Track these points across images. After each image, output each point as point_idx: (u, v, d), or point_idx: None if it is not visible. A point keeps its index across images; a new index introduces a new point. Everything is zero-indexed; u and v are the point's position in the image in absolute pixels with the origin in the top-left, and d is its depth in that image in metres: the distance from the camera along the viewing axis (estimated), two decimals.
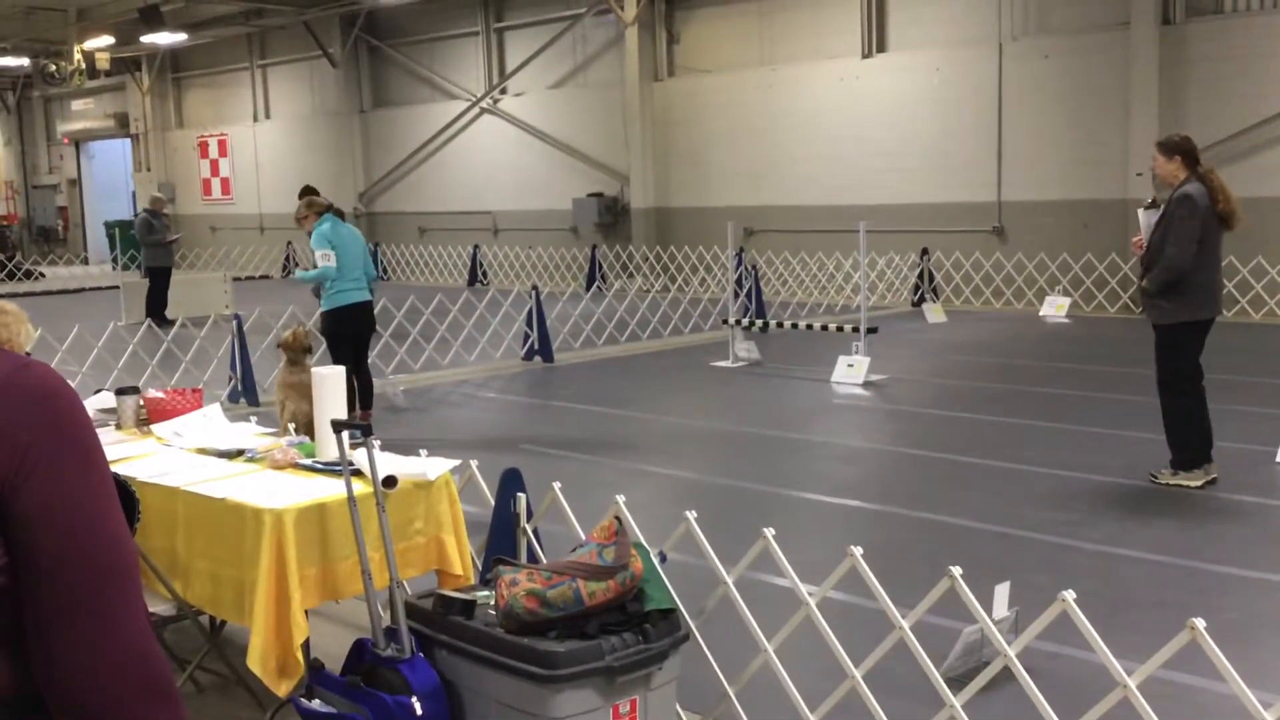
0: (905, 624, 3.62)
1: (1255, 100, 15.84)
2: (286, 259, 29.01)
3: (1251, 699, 2.93)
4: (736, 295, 14.04)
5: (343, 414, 4.39)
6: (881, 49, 19.76)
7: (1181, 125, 16.17)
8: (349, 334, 9.45)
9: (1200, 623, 3.00)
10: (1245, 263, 14.92)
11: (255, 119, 31.23)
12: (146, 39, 26.49)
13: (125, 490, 3.63)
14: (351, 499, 3.89)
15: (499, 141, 25.43)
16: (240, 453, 4.70)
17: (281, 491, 4.12)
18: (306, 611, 4.00)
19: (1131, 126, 16.78)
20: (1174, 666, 3.57)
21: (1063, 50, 17.58)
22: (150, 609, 4.36)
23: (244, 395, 11.16)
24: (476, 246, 25.05)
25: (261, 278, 28.18)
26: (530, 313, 13.61)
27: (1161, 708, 3.19)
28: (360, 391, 9.12)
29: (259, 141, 31.12)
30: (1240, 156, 15.62)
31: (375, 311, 9.91)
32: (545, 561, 4.22)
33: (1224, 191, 7.24)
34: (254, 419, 5.55)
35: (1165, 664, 3.17)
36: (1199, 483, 7.41)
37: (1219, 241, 7.34)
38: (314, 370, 4.59)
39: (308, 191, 17.20)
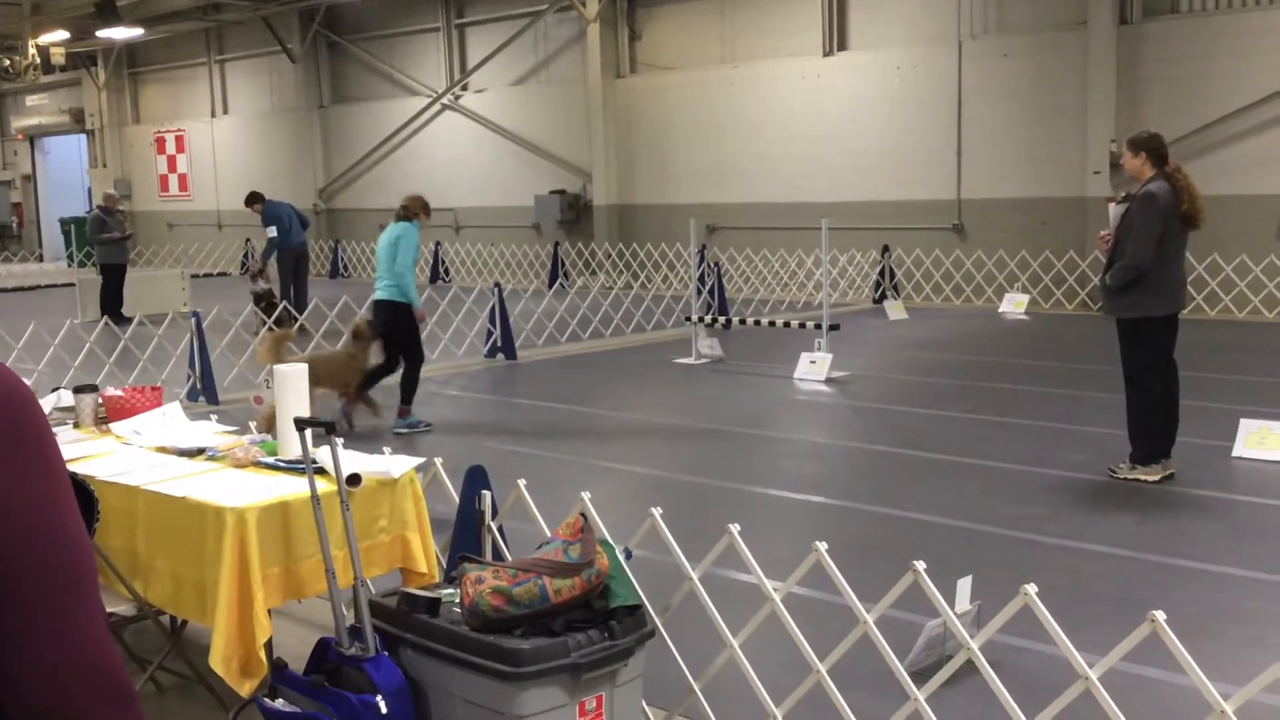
0: (869, 618, 3.64)
1: (1211, 99, 16.04)
2: (245, 256, 28.75)
3: (1211, 690, 2.97)
4: (699, 292, 14.06)
5: (306, 411, 4.35)
6: (842, 47, 19.85)
7: (1139, 124, 16.32)
8: (383, 328, 9.77)
9: (1161, 615, 3.03)
10: (1201, 260, 15.11)
11: (213, 115, 30.94)
12: (102, 34, 26.17)
13: (84, 490, 3.57)
14: (315, 497, 3.86)
15: (460, 138, 25.32)
16: (201, 451, 4.65)
17: (243, 490, 4.09)
18: (269, 611, 3.96)
19: (1089, 125, 16.95)
20: (1135, 659, 3.61)
21: (1021, 49, 17.73)
22: (110, 609, 4.32)
23: (203, 394, 11.06)
24: (438, 244, 24.95)
25: (220, 275, 27.94)
26: (493, 310, 13.57)
27: (1123, 700, 3.22)
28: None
29: (217, 137, 30.83)
30: (1196, 155, 15.81)
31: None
32: (510, 559, 4.21)
33: (1190, 191, 7.30)
34: (214, 417, 5.50)
35: (1126, 656, 3.21)
36: (1156, 477, 7.51)
37: (1182, 240, 7.41)
38: (276, 369, 4.55)
39: (255, 197, 17.23)
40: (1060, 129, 17.38)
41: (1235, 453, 8.07)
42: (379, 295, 9.78)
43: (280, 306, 14.91)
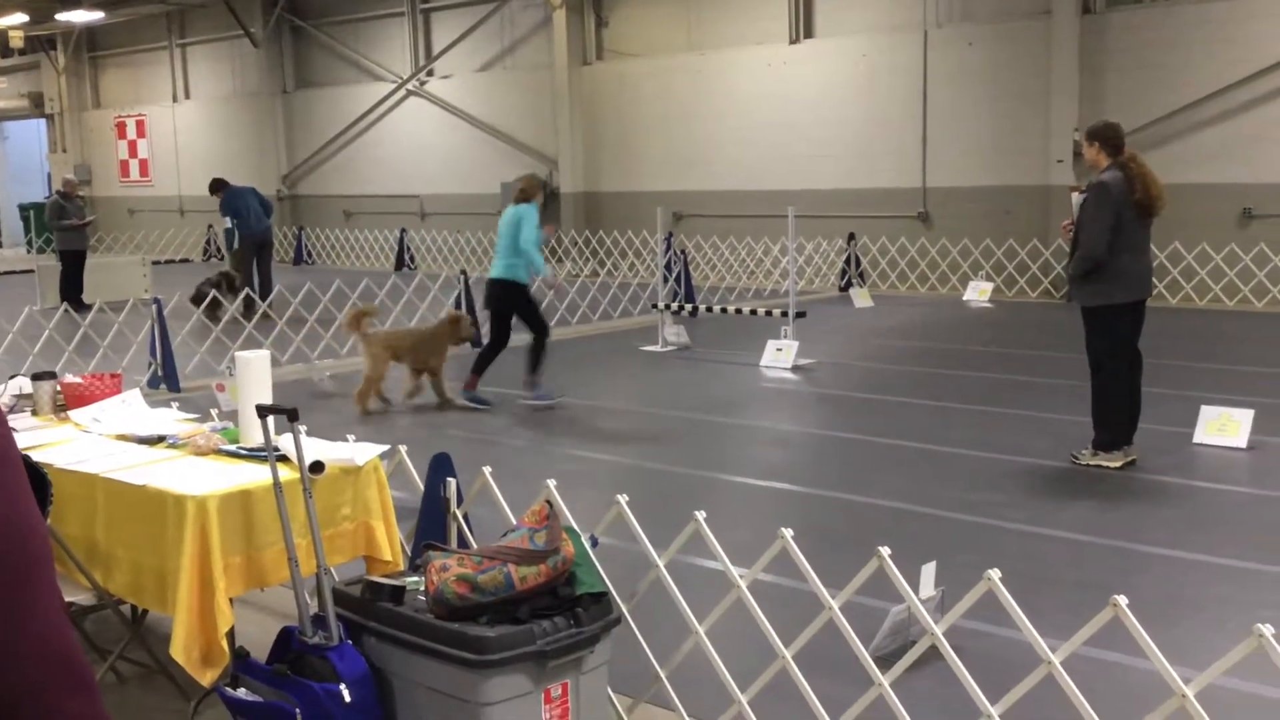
0: (834, 604, 3.65)
1: (1173, 88, 16.17)
2: (207, 242, 28.50)
3: (1172, 674, 2.99)
4: (665, 280, 14.05)
5: (269, 398, 4.31)
6: (809, 35, 19.87)
7: (1101, 113, 16.45)
8: (487, 304, 10.24)
9: (1123, 600, 3.05)
10: (1163, 248, 15.23)
11: (175, 99, 30.60)
12: (62, 16, 25.84)
13: (36, 473, 3.53)
14: (277, 485, 3.82)
15: (426, 124, 25.17)
16: (161, 439, 4.60)
17: (204, 478, 4.05)
18: (231, 599, 3.93)
19: (1052, 114, 17.05)
20: (1097, 643, 3.64)
21: (986, 38, 17.81)
22: (69, 598, 4.27)
23: (165, 381, 10.94)
24: (404, 230, 24.80)
25: (181, 261, 27.67)
26: (459, 297, 13.49)
27: (1085, 684, 3.25)
28: (533, 358, 10.19)
29: (178, 122, 30.51)
30: (1158, 143, 15.95)
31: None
32: (476, 546, 4.19)
33: (1143, 180, 7.32)
34: (175, 405, 5.44)
35: (1088, 641, 3.23)
36: (1118, 464, 7.58)
37: (1142, 228, 7.43)
38: (237, 355, 4.50)
39: (218, 184, 17.06)
40: (1024, 117, 17.48)
41: (1196, 439, 8.15)
42: (495, 274, 10.08)
43: (243, 294, 14.79)
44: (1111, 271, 7.37)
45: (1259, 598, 5.35)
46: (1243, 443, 7.99)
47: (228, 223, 16.61)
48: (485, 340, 10.45)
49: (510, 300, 10.09)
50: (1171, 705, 2.98)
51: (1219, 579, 5.62)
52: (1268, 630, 2.80)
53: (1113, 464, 7.59)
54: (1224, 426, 8.14)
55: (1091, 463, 7.63)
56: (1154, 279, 7.51)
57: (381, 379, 9.98)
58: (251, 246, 16.68)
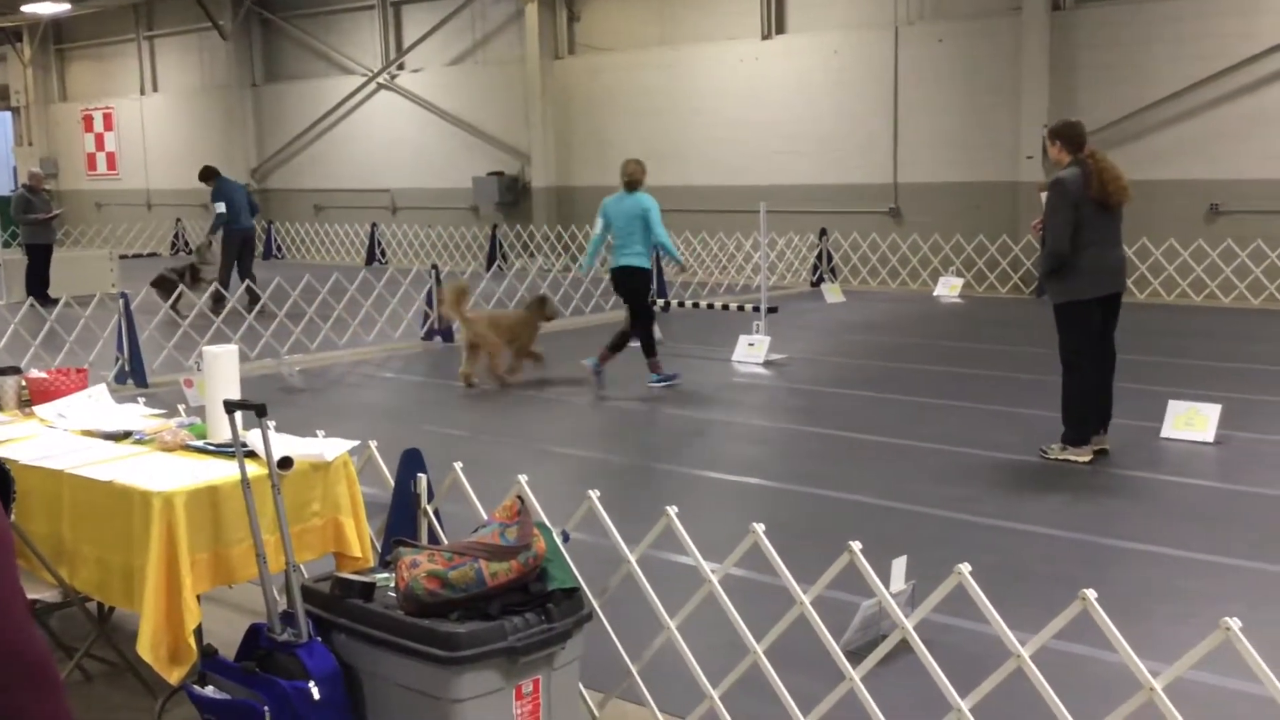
0: (806, 599, 3.65)
1: (1142, 85, 16.29)
2: (175, 236, 28.28)
3: (1141, 667, 3.01)
4: None
5: (236, 394, 4.27)
6: (781, 30, 19.89)
7: (1071, 109, 16.57)
8: (621, 292, 10.72)
9: (1091, 594, 3.06)
10: (1130, 244, 15.34)
11: (142, 92, 30.33)
12: (28, 8, 25.55)
13: None
14: (245, 481, 3.79)
15: (397, 118, 25.05)
16: (127, 434, 4.55)
17: (171, 474, 4.01)
18: (199, 596, 3.89)
19: (1022, 110, 17.14)
20: (1067, 637, 3.66)
21: (957, 34, 17.87)
22: (35, 596, 4.22)
23: (132, 376, 10.85)
24: (374, 225, 24.69)
25: (149, 255, 27.42)
26: (430, 292, 13.45)
27: (1054, 677, 3.26)
28: (633, 334, 10.74)
29: (146, 115, 30.24)
30: (1127, 140, 16.06)
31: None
32: (446, 542, 4.17)
33: (1101, 175, 7.39)
34: (141, 400, 5.39)
35: (1058, 635, 3.24)
36: (1086, 458, 7.63)
37: (1105, 223, 7.47)
38: (205, 350, 4.46)
39: (208, 171, 16.84)
40: (994, 114, 17.56)
41: (1163, 434, 8.21)
42: (627, 262, 10.51)
43: (212, 287, 14.68)
44: (1078, 267, 7.44)
45: (1227, 591, 5.39)
46: (1210, 437, 8.06)
47: (220, 208, 16.42)
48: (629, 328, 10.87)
49: (644, 284, 10.70)
50: (1140, 698, 3.00)
51: (1187, 573, 5.66)
52: (1235, 624, 2.82)
53: (1081, 458, 7.64)
54: (1191, 421, 8.21)
55: (1060, 458, 7.68)
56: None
57: (499, 353, 10.80)
58: (235, 242, 16.53)
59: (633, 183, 10.59)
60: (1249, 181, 15.72)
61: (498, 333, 10.77)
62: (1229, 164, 15.86)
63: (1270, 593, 5.40)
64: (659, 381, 10.61)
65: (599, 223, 10.78)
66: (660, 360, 10.72)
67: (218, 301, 14.44)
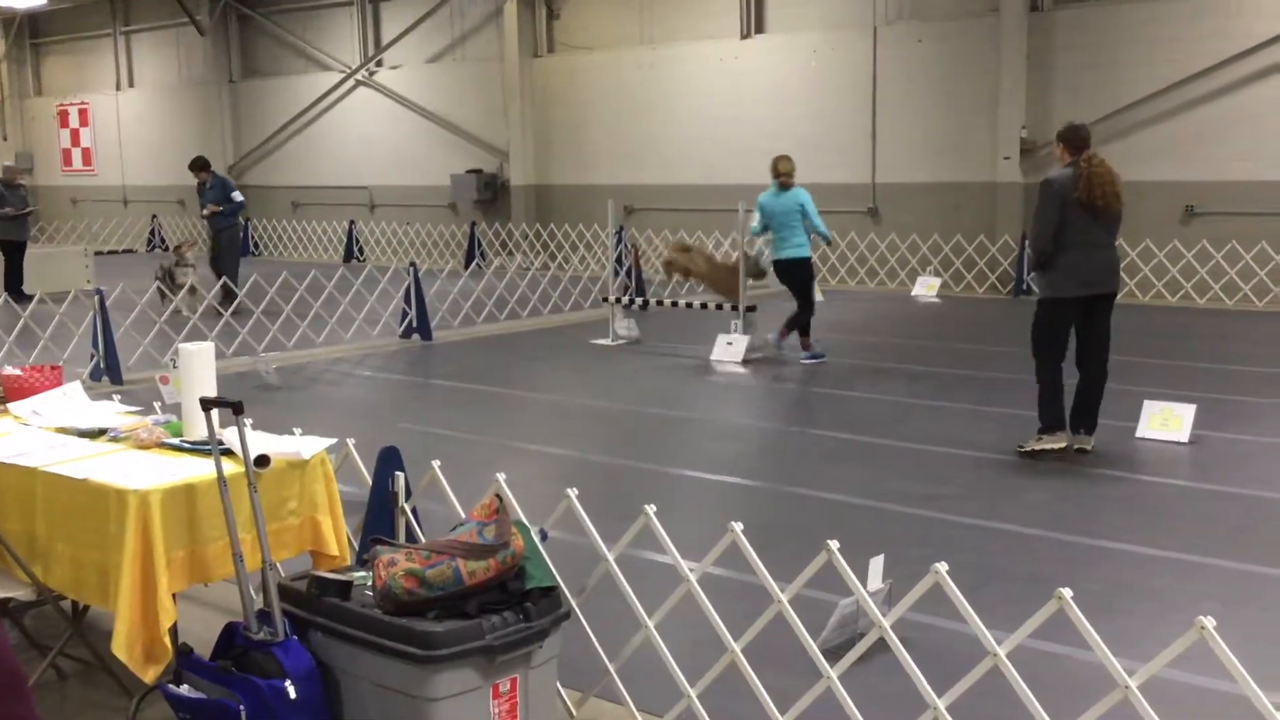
0: (784, 598, 3.66)
1: (1118, 87, 16.38)
2: (151, 233, 28.10)
3: (1116, 665, 3.02)
4: (616, 273, 14.04)
5: (213, 391, 4.25)
6: (760, 30, 19.92)
7: (1047, 111, 16.68)
8: (788, 281, 11.79)
9: (1067, 592, 3.08)
10: None
11: (118, 87, 30.13)
12: (2, 2, 25.32)
13: None
14: (221, 479, 3.77)
15: (375, 115, 24.97)
16: (102, 432, 4.52)
17: (147, 472, 3.98)
18: (174, 595, 3.87)
19: (1000, 111, 17.21)
20: (1043, 636, 3.67)
21: (935, 35, 17.93)
22: (9, 594, 4.19)
23: (107, 373, 10.78)
24: (352, 222, 24.61)
25: (125, 252, 27.25)
26: (408, 290, 13.41)
27: (1031, 675, 3.28)
28: (799, 320, 11.72)
29: (122, 111, 30.04)
30: (1103, 141, 16.09)
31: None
32: (424, 541, 4.15)
33: (1089, 178, 7.55)
34: (117, 397, 5.35)
35: (1034, 633, 3.25)
36: (1061, 445, 7.79)
37: (1090, 225, 7.59)
38: (180, 347, 4.43)
39: (198, 162, 16.63)
40: (972, 114, 17.63)
41: (1139, 433, 8.27)
42: (793, 254, 11.56)
43: (221, 283, 14.50)
44: (1055, 267, 7.64)
45: (1202, 590, 5.43)
46: (1185, 437, 8.12)
47: (238, 195, 16.30)
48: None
49: (810, 273, 11.75)
50: (1115, 696, 3.02)
51: (1163, 571, 5.70)
52: (1210, 622, 2.84)
53: (1056, 445, 7.79)
54: (1166, 421, 8.27)
55: (1036, 447, 7.81)
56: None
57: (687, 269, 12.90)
58: (238, 237, 16.44)
59: (787, 179, 11.53)
60: (1224, 183, 15.84)
61: (710, 266, 12.78)
62: (1204, 165, 15.98)
63: (1244, 591, 5.44)
64: (811, 359, 11.58)
65: (756, 218, 11.78)
66: (811, 339, 11.71)
67: (227, 296, 14.25)
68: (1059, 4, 17.08)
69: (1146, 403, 8.45)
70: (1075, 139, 7.71)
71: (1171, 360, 11.31)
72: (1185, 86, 15.95)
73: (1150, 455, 7.90)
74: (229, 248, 16.32)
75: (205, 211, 16.36)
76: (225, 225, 16.24)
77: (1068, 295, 7.65)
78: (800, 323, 11.70)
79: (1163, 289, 15.85)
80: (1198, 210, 16.05)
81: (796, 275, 11.65)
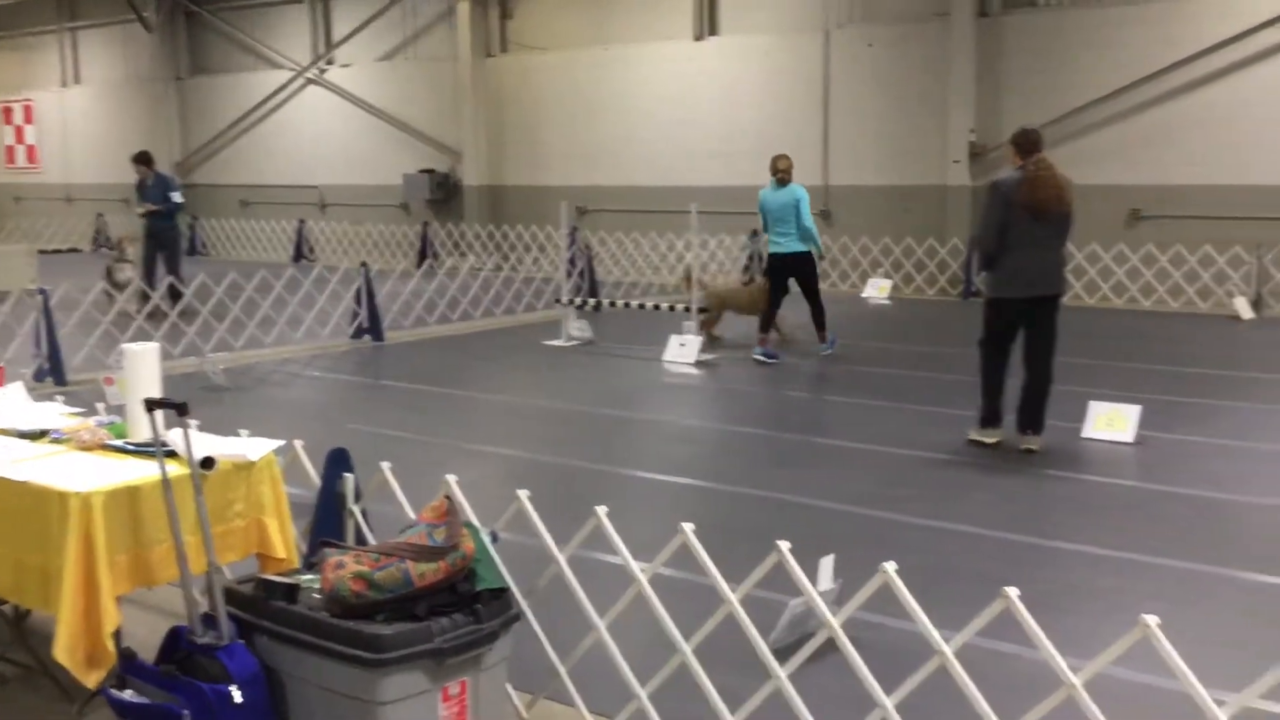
0: (734, 598, 3.66)
1: (1065, 91, 16.58)
2: (97, 232, 27.70)
3: (1061, 663, 3.05)
4: (569, 274, 14.01)
5: (157, 392, 4.19)
6: (713, 32, 19.97)
7: (996, 115, 16.86)
8: (782, 278, 11.94)
9: (1014, 591, 3.10)
10: None
11: (64, 84, 29.71)
12: None
13: None
14: (165, 481, 3.72)
15: (326, 114, 24.78)
16: (44, 434, 4.45)
17: (89, 474, 3.91)
18: (118, 599, 3.81)
19: (950, 114, 17.37)
20: (991, 635, 3.70)
21: (886, 39, 18.06)
22: None
23: (51, 374, 10.61)
24: (302, 221, 24.40)
25: (70, 251, 26.84)
26: (359, 290, 13.30)
27: (978, 674, 3.30)
28: (816, 318, 12.06)
29: (67, 108, 29.62)
30: (1050, 145, 16.15)
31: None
32: (374, 543, 4.12)
33: (1032, 182, 7.72)
34: (60, 399, 5.26)
35: (984, 633, 3.28)
36: (991, 440, 8.06)
37: (1034, 228, 7.72)
38: (125, 348, 4.36)
39: (141, 157, 16.23)
40: (922, 118, 17.77)
41: (1085, 434, 8.36)
42: (791, 248, 11.76)
43: (167, 283, 14.24)
44: (1004, 267, 7.84)
45: (1147, 588, 5.50)
46: (1130, 437, 8.22)
47: (178, 197, 15.70)
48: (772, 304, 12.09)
49: (809, 267, 11.90)
50: (1060, 694, 3.04)
51: (1109, 570, 5.77)
52: (1153, 620, 2.87)
53: (987, 440, 8.05)
54: (1112, 422, 8.37)
55: (972, 436, 8.14)
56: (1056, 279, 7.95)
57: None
58: (179, 237, 15.86)
59: (785, 175, 11.78)
60: (1169, 187, 16.08)
61: (729, 303, 13.07)
62: (1151, 170, 16.21)
63: (1191, 590, 5.52)
64: (765, 356, 11.76)
65: (761, 218, 12.09)
66: (769, 338, 11.95)
67: (174, 295, 13.92)
68: (1008, 9, 17.26)
69: (1092, 404, 8.55)
70: (1025, 143, 7.86)
71: (1117, 362, 11.46)
72: (1132, 91, 16.18)
73: (1097, 456, 8.00)
74: (170, 248, 15.78)
75: (141, 210, 15.70)
76: (163, 225, 15.68)
77: (1010, 296, 7.85)
78: (817, 318, 12.03)
79: (1109, 291, 16.06)
80: (1144, 214, 16.27)
81: (797, 270, 11.86)
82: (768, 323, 11.96)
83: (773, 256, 11.94)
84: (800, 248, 11.80)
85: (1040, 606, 3.66)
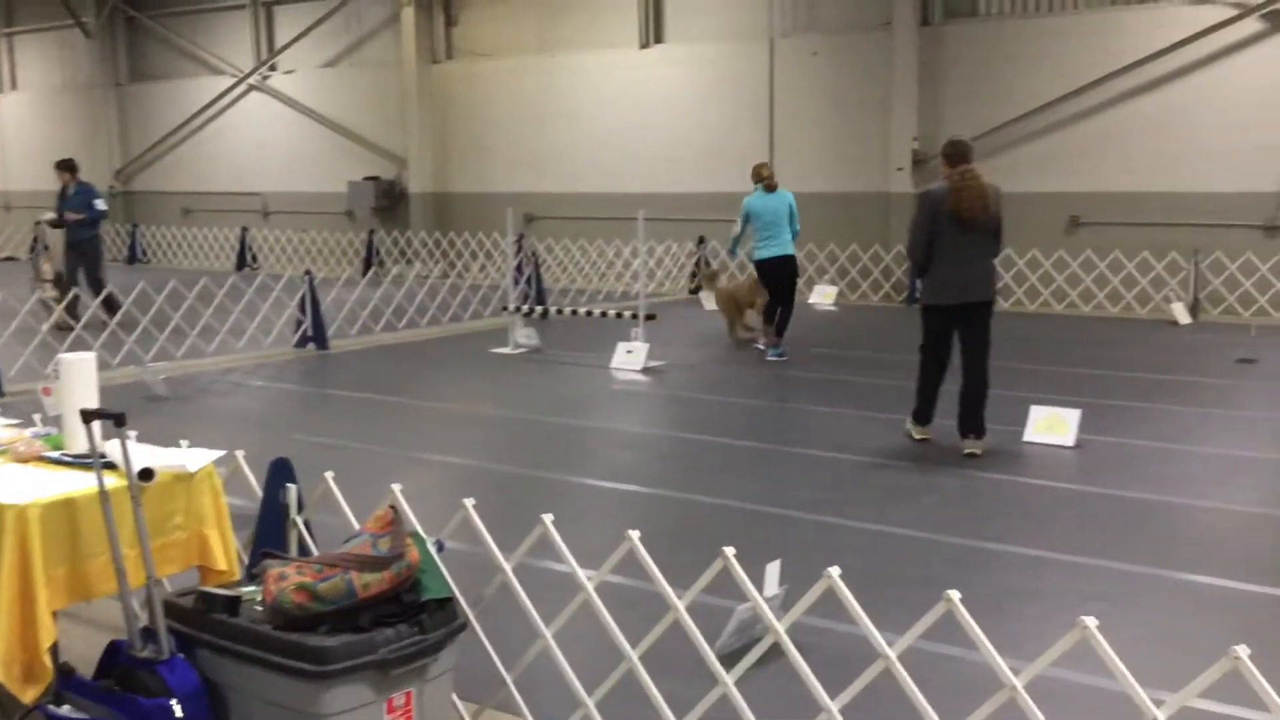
0: (680, 605, 3.67)
1: (1004, 100, 16.80)
2: (35, 240, 27.18)
3: (1002, 665, 3.08)
4: (516, 282, 13.98)
5: (95, 402, 4.13)
6: (659, 40, 20.03)
7: (938, 123, 17.04)
8: (771, 281, 12.29)
9: (955, 595, 3.13)
10: None
11: (1, 90, 29.17)
12: None
13: None
14: (103, 493, 3.66)
15: (269, 120, 24.55)
16: None
17: (25, 486, 3.85)
18: (55, 613, 3.75)
19: (893, 123, 17.54)
20: (935, 638, 3.73)
21: (830, 48, 18.21)
22: None
23: None
24: (245, 229, 24.13)
25: (6, 259, 26.36)
26: (304, 298, 13.18)
27: (922, 677, 3.33)
28: (781, 320, 12.33)
29: (4, 115, 29.13)
30: (992, 153, 16.52)
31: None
32: (317, 554, 4.08)
33: (958, 193, 7.90)
34: None
35: (928, 636, 3.31)
36: (920, 436, 8.45)
37: (960, 238, 7.92)
38: (62, 358, 4.29)
39: (65, 164, 15.92)
40: (866, 126, 17.93)
41: (1026, 438, 8.47)
42: (784, 252, 12.08)
43: (72, 293, 14.10)
44: (932, 276, 8.12)
45: (1087, 590, 5.57)
46: (1070, 441, 8.34)
47: (102, 204, 15.22)
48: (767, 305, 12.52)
49: (795, 270, 12.40)
50: (1002, 696, 3.08)
51: (1050, 573, 5.84)
52: (1092, 622, 2.91)
53: (917, 435, 8.45)
54: (1053, 426, 8.48)
55: (907, 427, 8.54)
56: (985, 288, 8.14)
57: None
58: (97, 249, 15.42)
59: (772, 181, 12.16)
60: (1107, 194, 16.34)
61: (733, 299, 13.45)
62: (1089, 177, 16.46)
63: (1130, 591, 5.60)
64: (776, 355, 12.19)
65: (740, 221, 12.28)
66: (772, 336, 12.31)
67: (110, 308, 13.62)
68: (949, 19, 17.47)
69: (1033, 408, 8.66)
70: (954, 154, 8.04)
71: (1057, 366, 11.62)
72: (1071, 100, 16.42)
73: (1037, 459, 8.10)
74: (91, 257, 15.30)
75: (62, 218, 15.07)
76: (86, 235, 15.07)
77: (942, 303, 8.10)
78: (782, 321, 12.34)
79: (1049, 297, 16.28)
80: (1083, 220, 16.52)
81: (786, 272, 12.19)
82: (770, 316, 12.33)
83: (765, 260, 12.16)
84: (790, 251, 12.16)
85: (982, 609, 3.70)
